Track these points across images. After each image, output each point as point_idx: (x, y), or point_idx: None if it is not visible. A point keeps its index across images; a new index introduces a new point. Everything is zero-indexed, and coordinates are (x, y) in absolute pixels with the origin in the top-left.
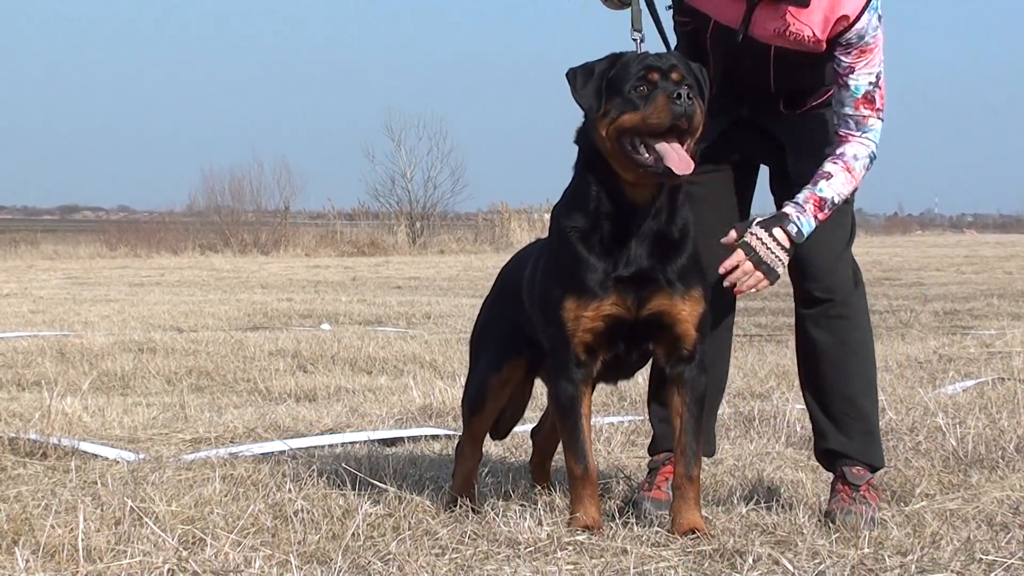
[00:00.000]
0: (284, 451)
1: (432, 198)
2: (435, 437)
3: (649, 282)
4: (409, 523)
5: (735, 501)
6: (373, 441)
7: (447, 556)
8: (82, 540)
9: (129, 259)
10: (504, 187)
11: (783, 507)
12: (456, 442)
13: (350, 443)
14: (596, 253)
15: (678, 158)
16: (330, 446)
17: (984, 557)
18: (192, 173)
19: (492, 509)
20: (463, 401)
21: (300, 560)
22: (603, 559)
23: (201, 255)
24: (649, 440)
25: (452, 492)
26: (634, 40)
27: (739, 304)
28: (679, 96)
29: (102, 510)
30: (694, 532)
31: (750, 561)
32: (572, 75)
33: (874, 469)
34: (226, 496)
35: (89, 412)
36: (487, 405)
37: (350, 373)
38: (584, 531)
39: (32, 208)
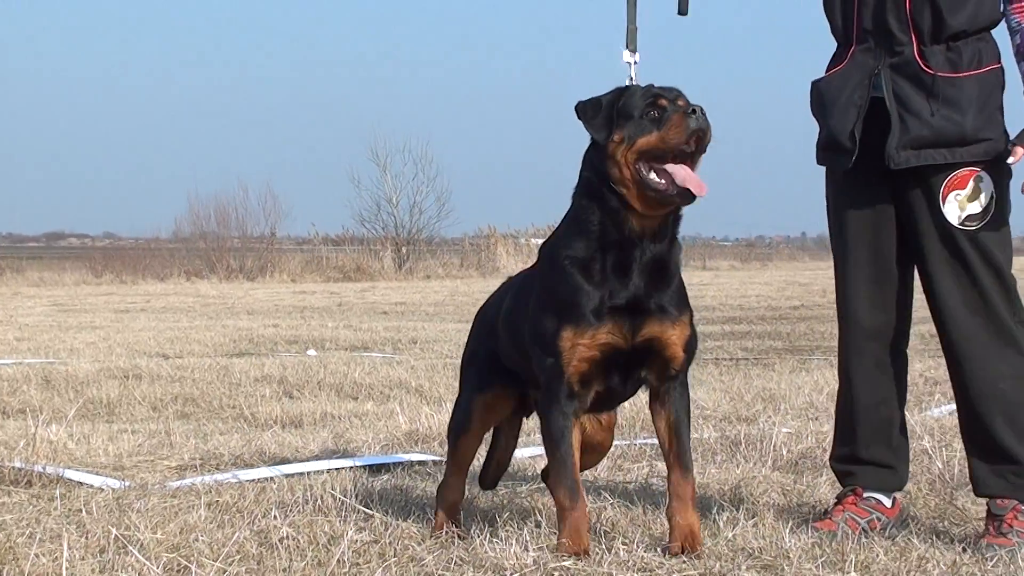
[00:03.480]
0: (270, 478)
1: (418, 223)
2: (422, 463)
3: (643, 309)
4: (395, 549)
5: (721, 525)
6: (359, 467)
7: None
8: (67, 569)
9: (115, 286)
10: (491, 212)
11: (770, 531)
12: (441, 478)
13: (336, 469)
14: (594, 282)
15: (692, 179)
16: (316, 472)
17: None
18: (177, 199)
19: (479, 535)
20: (449, 427)
21: None
22: None
23: (187, 281)
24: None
25: (435, 530)
26: (628, 63)
27: (725, 328)
28: (694, 111)
29: (87, 538)
30: (692, 534)
31: None
32: (582, 108)
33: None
34: (211, 523)
35: (74, 439)
36: (472, 427)
37: (336, 399)
38: (573, 557)
39: (17, 235)
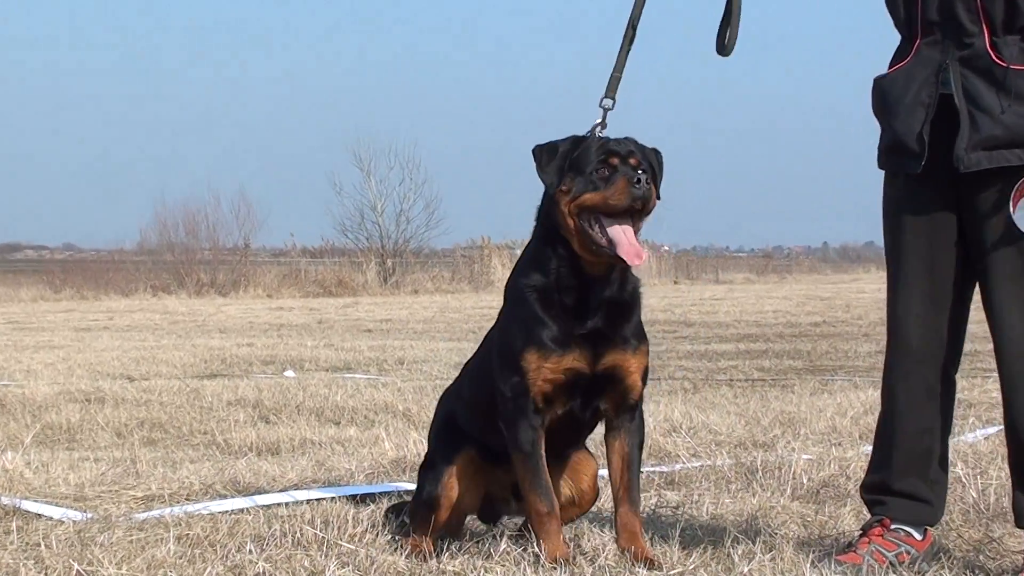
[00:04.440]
0: (244, 509)
1: (405, 233)
2: (409, 492)
3: (604, 340)
4: None
5: (736, 559)
6: (342, 498)
7: None
8: None
9: (75, 302)
10: (484, 221)
11: (789, 565)
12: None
13: (317, 500)
14: (556, 314)
15: (629, 246)
16: (295, 503)
17: None
18: (143, 207)
19: (472, 570)
20: (418, 496)
21: None
22: None
23: (153, 297)
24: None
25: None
26: (603, 107)
27: (740, 347)
28: (638, 181)
29: (46, 574)
30: (651, 562)
31: None
32: (538, 152)
33: None
34: (181, 558)
35: (32, 468)
36: (443, 500)
37: (316, 424)
38: (558, 562)
39: None
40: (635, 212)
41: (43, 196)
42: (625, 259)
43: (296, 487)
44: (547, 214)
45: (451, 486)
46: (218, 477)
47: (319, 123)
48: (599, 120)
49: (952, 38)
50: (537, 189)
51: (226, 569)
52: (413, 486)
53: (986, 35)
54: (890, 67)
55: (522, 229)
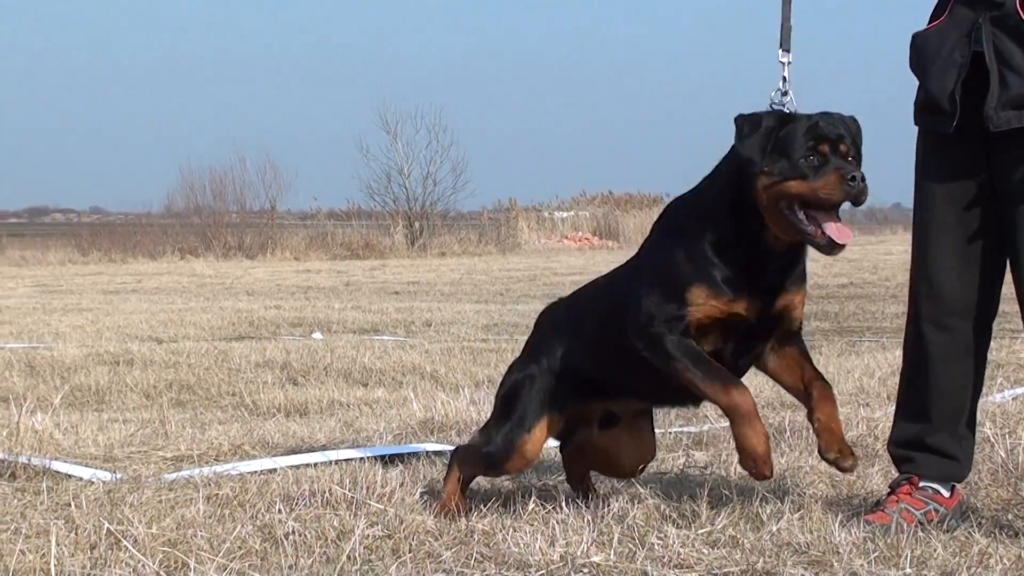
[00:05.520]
0: (273, 469)
1: (432, 196)
2: (438, 453)
3: (774, 293)
4: (410, 545)
5: (765, 519)
6: (370, 458)
7: None
8: (55, 565)
9: (103, 265)
10: (511, 183)
11: (817, 525)
12: (459, 450)
13: (345, 460)
14: (729, 262)
15: (844, 234)
16: (323, 464)
17: None
18: (170, 171)
19: (500, 529)
20: (486, 449)
21: None
22: None
23: (181, 260)
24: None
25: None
26: (782, 63)
27: None
28: (852, 178)
29: (76, 533)
30: (843, 442)
31: None
32: (741, 123)
33: None
34: (210, 518)
35: (61, 429)
36: (509, 467)
37: (344, 385)
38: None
39: None
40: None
41: (71, 160)
42: (838, 241)
43: (325, 448)
44: (736, 183)
45: (536, 440)
46: (247, 438)
47: (345, 86)
48: (782, 76)
49: None
50: (568, 150)
51: (255, 529)
52: (441, 447)
53: None
54: (928, 24)
55: (549, 193)
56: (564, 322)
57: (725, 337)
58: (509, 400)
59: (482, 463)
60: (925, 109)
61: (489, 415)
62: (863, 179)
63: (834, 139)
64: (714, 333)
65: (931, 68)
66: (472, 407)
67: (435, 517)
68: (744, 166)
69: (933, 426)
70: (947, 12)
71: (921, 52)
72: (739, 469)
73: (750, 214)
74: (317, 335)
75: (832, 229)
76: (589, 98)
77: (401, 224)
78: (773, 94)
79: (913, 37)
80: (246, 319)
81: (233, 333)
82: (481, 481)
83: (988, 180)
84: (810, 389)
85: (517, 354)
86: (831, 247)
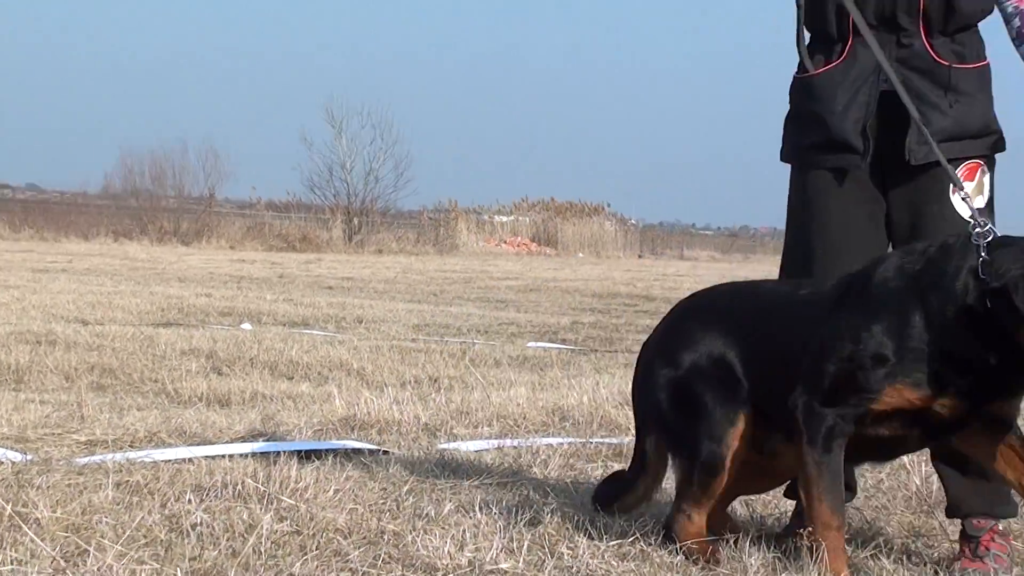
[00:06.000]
0: (188, 459)
1: (373, 192)
2: (357, 451)
3: (990, 388)
4: (318, 542)
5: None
6: (288, 453)
7: None
8: None
9: (34, 243)
10: (453, 185)
11: (728, 544)
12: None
13: (262, 454)
14: (949, 359)
15: None
16: (240, 456)
17: None
18: (109, 152)
19: (411, 531)
20: (690, 469)
21: None
22: None
23: (114, 242)
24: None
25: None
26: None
27: None
28: None
29: None
30: None
31: None
32: (1014, 285)
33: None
34: (118, 504)
35: None
36: (727, 461)
37: (269, 378)
38: None
39: None
40: None
41: (7, 135)
42: None
43: (243, 440)
44: (977, 291)
45: (735, 446)
46: (164, 426)
47: (293, 77)
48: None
49: (889, 39)
50: (510, 155)
51: (163, 518)
52: (361, 445)
53: (923, 36)
54: (818, 67)
55: (490, 196)
56: (740, 326)
57: (910, 427)
58: (688, 399)
59: (703, 484)
60: (826, 148)
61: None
62: None
63: None
64: (894, 425)
65: (833, 106)
66: (395, 406)
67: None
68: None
69: None
70: (847, 53)
71: (819, 92)
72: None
73: (995, 330)
74: (246, 326)
75: None
76: (536, 104)
77: (340, 219)
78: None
79: (804, 80)
80: (176, 306)
81: (161, 319)
82: (408, 477)
83: (884, 211)
84: None
85: (447, 356)
86: None
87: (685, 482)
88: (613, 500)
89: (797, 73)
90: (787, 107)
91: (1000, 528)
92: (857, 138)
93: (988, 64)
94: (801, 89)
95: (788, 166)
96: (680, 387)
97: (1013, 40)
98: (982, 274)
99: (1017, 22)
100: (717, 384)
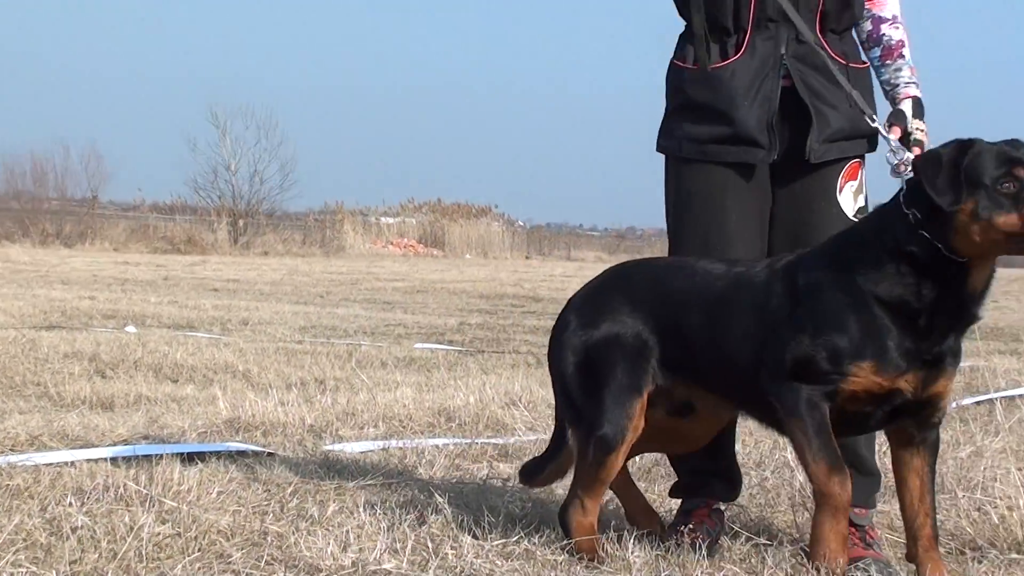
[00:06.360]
0: (70, 462)
1: (258, 194)
2: (241, 453)
3: (940, 361)
4: (200, 544)
5: (561, 534)
6: (171, 455)
7: None
8: None
9: None
10: (339, 186)
11: (612, 542)
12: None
13: (145, 456)
14: (908, 333)
15: None
16: (123, 459)
17: None
18: None
19: (294, 532)
20: (586, 441)
21: None
22: None
23: None
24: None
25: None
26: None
27: None
28: None
29: None
30: None
31: None
32: (922, 166)
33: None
34: None
35: None
36: (627, 439)
37: (153, 381)
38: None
39: None
40: None
41: None
42: None
43: (126, 443)
44: (929, 232)
45: (635, 426)
46: (46, 429)
47: (176, 79)
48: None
49: (787, 33)
50: (396, 156)
51: (44, 521)
52: (245, 447)
53: (818, 33)
54: (718, 61)
55: (376, 198)
56: (656, 300)
57: (878, 406)
58: (598, 368)
59: (596, 460)
60: (730, 142)
61: (569, 399)
62: None
63: None
64: (866, 404)
65: (739, 101)
66: (281, 408)
67: (582, 562)
68: (940, 207)
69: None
70: (745, 48)
71: (721, 87)
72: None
73: (946, 263)
74: (130, 328)
75: None
76: (423, 106)
77: (225, 221)
78: (889, 156)
79: (703, 72)
80: (59, 308)
81: (44, 322)
82: (292, 478)
83: (770, 207)
84: (918, 532)
85: (333, 358)
86: None
87: (581, 457)
88: (536, 473)
89: (686, 64)
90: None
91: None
92: (763, 133)
93: (870, 65)
94: (698, 81)
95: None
96: (589, 355)
97: (862, 43)
98: (906, 208)
99: (868, 25)
100: (628, 358)
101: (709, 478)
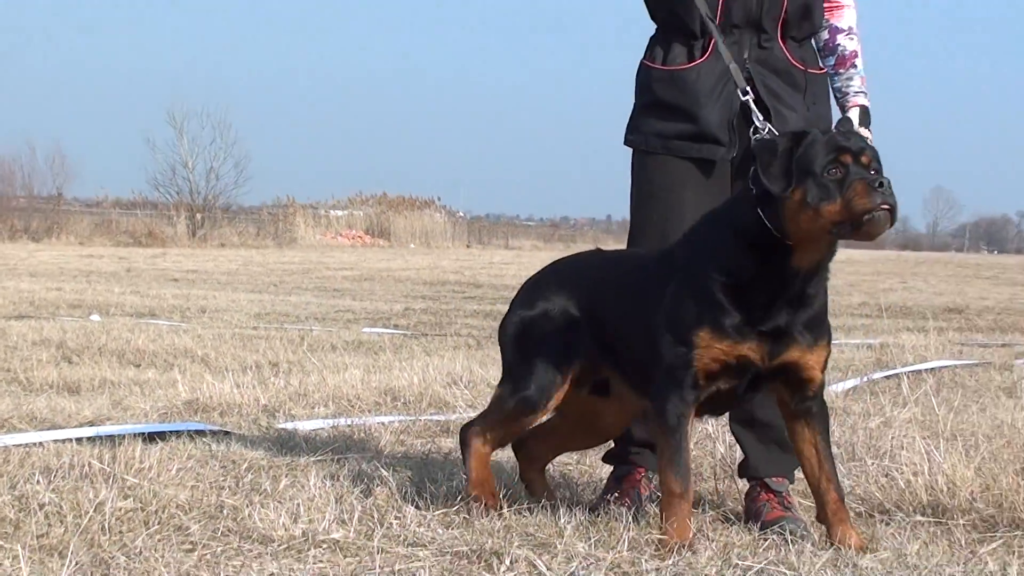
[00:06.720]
0: (38, 443)
1: (214, 189)
2: (199, 432)
3: (784, 336)
4: (160, 518)
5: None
6: (133, 435)
7: (196, 552)
8: None
9: None
10: (290, 181)
11: (545, 510)
12: (467, 429)
13: (109, 436)
14: (741, 303)
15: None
16: (88, 439)
17: (741, 563)
18: None
19: (248, 505)
20: (510, 396)
21: (38, 553)
22: (357, 558)
23: None
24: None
25: (472, 492)
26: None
27: None
28: (881, 184)
29: None
30: (862, 549)
31: (507, 563)
32: (759, 151)
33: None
34: None
35: None
36: (541, 412)
37: (117, 365)
38: (677, 547)
39: None
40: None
41: None
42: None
43: (91, 424)
44: (752, 210)
45: (557, 395)
46: (15, 412)
47: (134, 81)
48: (754, 112)
49: (751, 39)
50: (344, 152)
51: (12, 499)
52: (203, 427)
53: (779, 40)
54: (683, 61)
55: (325, 192)
56: (585, 288)
57: (737, 377)
58: (532, 340)
59: (513, 414)
60: (694, 139)
61: (506, 365)
62: (891, 186)
63: (855, 151)
64: (724, 377)
65: (704, 100)
66: (237, 390)
67: (476, 512)
68: (771, 193)
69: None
70: (710, 50)
71: (687, 87)
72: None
73: (776, 245)
74: (95, 317)
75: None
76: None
77: (183, 215)
78: (751, 131)
79: (670, 73)
80: (27, 299)
81: (13, 312)
82: (247, 455)
83: None
84: (824, 497)
85: (286, 342)
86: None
87: (497, 403)
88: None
89: (656, 64)
90: (629, 96)
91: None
92: (724, 132)
93: (827, 72)
94: (665, 81)
95: (621, 154)
96: (525, 330)
97: (818, 51)
98: (751, 183)
99: (825, 35)
100: (557, 334)
101: (641, 447)
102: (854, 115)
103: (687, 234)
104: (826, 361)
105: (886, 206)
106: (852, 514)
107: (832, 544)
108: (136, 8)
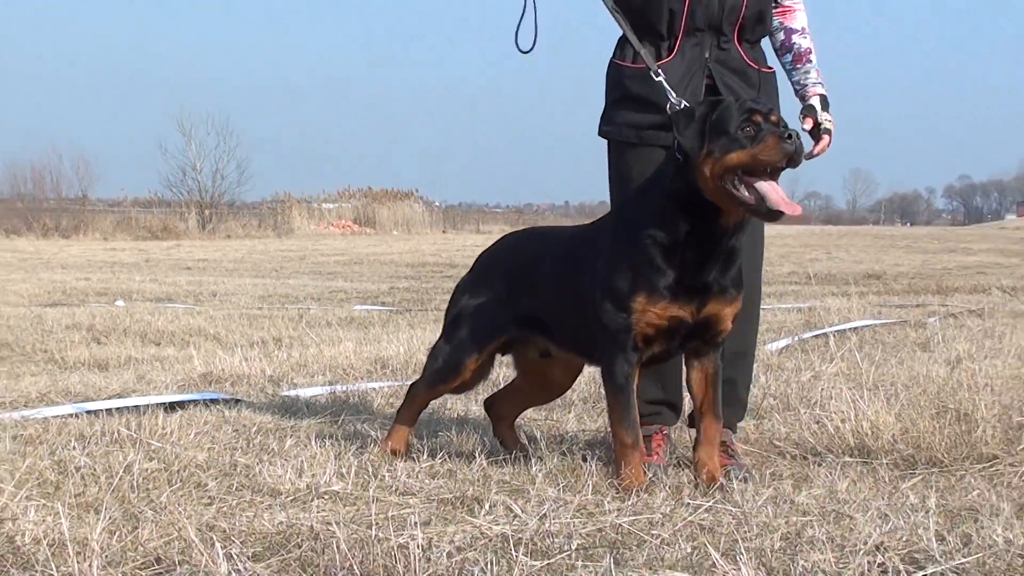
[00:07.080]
0: (73, 414)
1: (220, 188)
2: (214, 400)
3: (708, 290)
4: (181, 476)
5: (476, 455)
6: (156, 405)
7: (214, 505)
8: None
9: None
10: (286, 178)
11: (518, 461)
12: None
13: (135, 406)
14: (673, 264)
15: (782, 200)
16: (117, 409)
17: (691, 502)
18: None
19: (259, 463)
20: (435, 367)
21: (76, 509)
22: (355, 506)
23: (6, 238)
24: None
25: (391, 447)
26: (657, 80)
27: None
28: (790, 136)
29: None
30: (712, 474)
31: (487, 507)
32: (676, 117)
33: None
34: (14, 454)
35: None
36: (456, 380)
37: (140, 344)
38: (635, 490)
39: None
40: (779, 170)
41: None
42: (784, 211)
43: (119, 396)
44: (684, 177)
45: (481, 360)
46: (52, 388)
47: (148, 94)
48: (666, 88)
49: (711, 41)
50: (334, 150)
51: (52, 463)
52: (217, 396)
53: (735, 41)
54: (657, 60)
55: (317, 187)
56: (520, 265)
57: (671, 338)
58: (459, 320)
59: (430, 381)
60: (663, 128)
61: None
62: (799, 137)
63: (765, 111)
64: (660, 338)
65: (671, 96)
66: (245, 363)
67: (382, 455)
68: (688, 155)
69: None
70: (676, 50)
71: (656, 83)
72: (459, 415)
73: (697, 204)
74: (120, 302)
75: (773, 200)
76: (353, 107)
77: (194, 211)
78: (668, 107)
79: (641, 70)
80: (60, 288)
81: (48, 300)
82: (256, 419)
83: None
84: (702, 418)
85: (287, 320)
86: (772, 215)
87: (429, 362)
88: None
89: (627, 63)
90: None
91: (731, 435)
92: None
93: (775, 71)
94: (637, 77)
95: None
96: (458, 306)
97: (776, 51)
98: (676, 152)
99: (781, 35)
100: (485, 310)
101: (661, 407)
102: (816, 103)
103: (620, 205)
104: (737, 314)
105: (794, 155)
106: (788, 457)
107: (694, 465)
108: (147, 24)
